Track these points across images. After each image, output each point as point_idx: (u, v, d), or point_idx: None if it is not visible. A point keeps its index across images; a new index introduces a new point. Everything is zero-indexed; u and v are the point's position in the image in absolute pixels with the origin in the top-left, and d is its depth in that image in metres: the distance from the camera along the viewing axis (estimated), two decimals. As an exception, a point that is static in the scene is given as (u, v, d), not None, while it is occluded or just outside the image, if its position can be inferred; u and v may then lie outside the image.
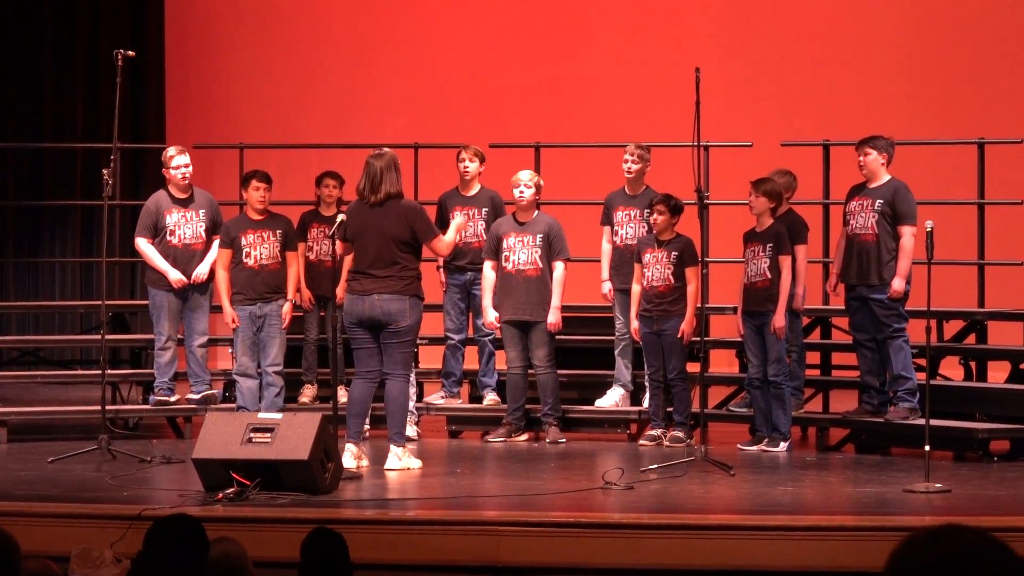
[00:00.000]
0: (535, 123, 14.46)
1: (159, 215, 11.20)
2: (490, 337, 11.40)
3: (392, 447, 9.56)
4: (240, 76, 15.96)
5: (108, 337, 10.78)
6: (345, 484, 8.85)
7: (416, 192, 12.05)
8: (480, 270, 11.21)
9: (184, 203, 11.22)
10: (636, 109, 14.85)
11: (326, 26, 15.86)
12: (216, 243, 11.12)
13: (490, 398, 11.50)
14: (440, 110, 15.28)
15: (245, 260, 10.95)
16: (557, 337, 11.13)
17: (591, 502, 8.53)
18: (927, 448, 8.85)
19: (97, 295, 11.83)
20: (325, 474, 8.54)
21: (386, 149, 9.74)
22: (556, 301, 11.01)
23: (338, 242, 9.70)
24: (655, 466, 9.59)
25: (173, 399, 11.29)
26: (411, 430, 10.67)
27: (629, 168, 11.24)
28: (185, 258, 11.16)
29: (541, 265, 11.02)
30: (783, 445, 10.47)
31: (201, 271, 11.15)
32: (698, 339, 10.31)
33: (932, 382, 9.67)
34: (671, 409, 10.87)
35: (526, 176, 11.12)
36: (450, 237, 9.80)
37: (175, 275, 11.09)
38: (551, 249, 11.03)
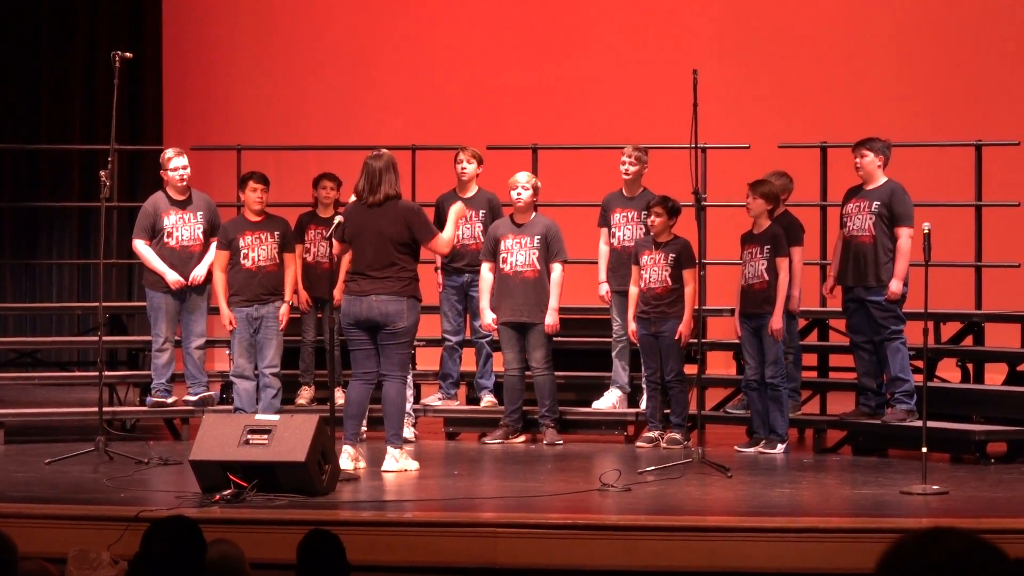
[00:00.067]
0: (533, 125, 14.46)
1: (157, 217, 11.20)
2: (487, 339, 11.40)
3: (389, 449, 9.56)
4: (238, 78, 15.96)
5: (105, 339, 10.78)
6: (342, 486, 8.85)
7: (413, 194, 12.06)
8: (477, 272, 11.21)
9: (182, 205, 11.22)
10: (634, 111, 14.86)
11: (324, 28, 15.86)
12: (214, 245, 11.12)
13: (487, 400, 11.49)
14: (438, 112, 15.28)
15: (243, 262, 10.95)
16: (554, 339, 11.13)
17: (588, 504, 8.53)
18: (924, 450, 8.85)
19: (94, 297, 11.84)
20: (322, 476, 8.54)
21: (384, 150, 9.74)
22: (554, 303, 11.01)
23: (335, 242, 9.70)
24: (652, 468, 9.59)
25: (170, 401, 11.29)
26: (408, 432, 10.67)
27: (627, 170, 11.24)
28: (183, 260, 11.16)
29: (539, 267, 11.02)
30: (780, 447, 10.47)
31: (198, 273, 11.15)
32: (695, 341, 10.31)
33: (929, 384, 9.67)
34: (668, 411, 10.87)
35: (523, 178, 11.12)
36: (448, 233, 9.75)
37: (172, 276, 11.09)
38: (549, 251, 11.03)
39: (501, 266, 11.05)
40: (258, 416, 9.21)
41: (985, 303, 11.44)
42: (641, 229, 11.11)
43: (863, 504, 8.69)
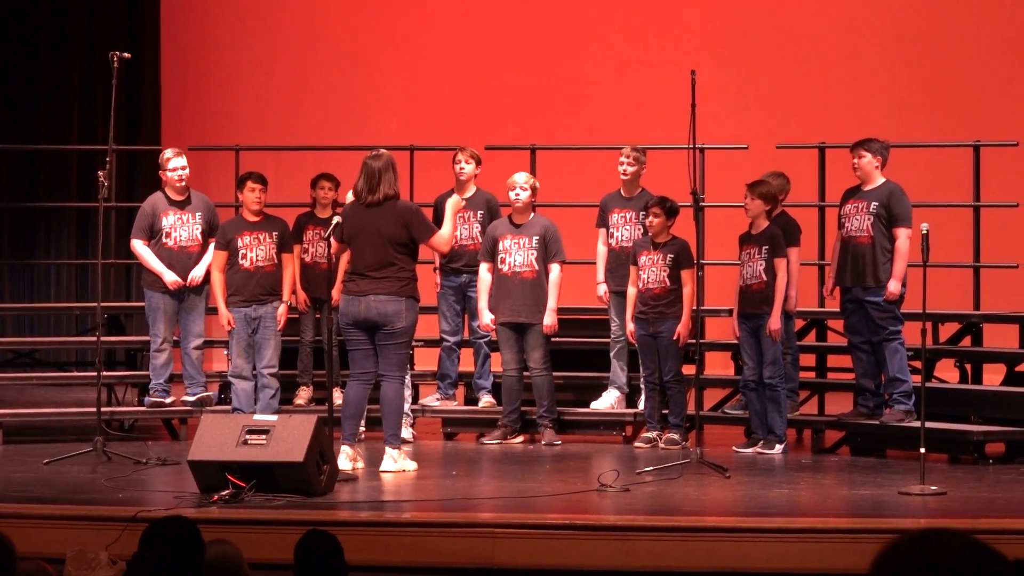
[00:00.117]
0: (531, 125, 14.47)
1: (155, 217, 11.20)
2: (486, 339, 11.40)
3: (387, 449, 9.55)
4: (236, 78, 15.96)
5: (104, 339, 10.78)
6: (340, 486, 8.84)
7: (412, 194, 12.06)
8: (475, 272, 11.21)
9: (181, 205, 11.22)
10: (632, 111, 14.86)
11: (322, 28, 15.86)
12: (212, 245, 11.11)
13: (485, 400, 11.49)
14: (436, 112, 15.28)
15: (241, 262, 10.94)
16: (553, 339, 11.13)
17: (587, 504, 8.53)
18: (922, 450, 8.85)
19: (93, 297, 11.84)
20: (320, 476, 8.54)
21: (383, 151, 9.74)
22: (552, 303, 11.01)
23: (333, 242, 9.69)
24: (651, 468, 9.59)
25: (169, 401, 11.29)
26: (407, 432, 10.67)
27: (625, 170, 11.24)
28: (181, 260, 11.15)
29: (537, 267, 11.02)
30: (778, 447, 10.47)
31: (197, 273, 11.15)
32: (694, 341, 10.31)
33: (928, 384, 9.67)
34: (667, 411, 10.87)
35: (522, 178, 11.12)
36: (447, 230, 9.73)
37: (170, 277, 11.09)
38: (547, 251, 11.03)
39: (499, 266, 11.05)
40: (256, 416, 9.20)
41: (983, 304, 11.44)
42: (639, 229, 11.11)
43: (861, 504, 8.69)
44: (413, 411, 11.23)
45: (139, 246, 11.20)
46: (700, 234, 10.18)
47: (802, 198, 11.72)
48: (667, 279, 10.73)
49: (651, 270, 10.77)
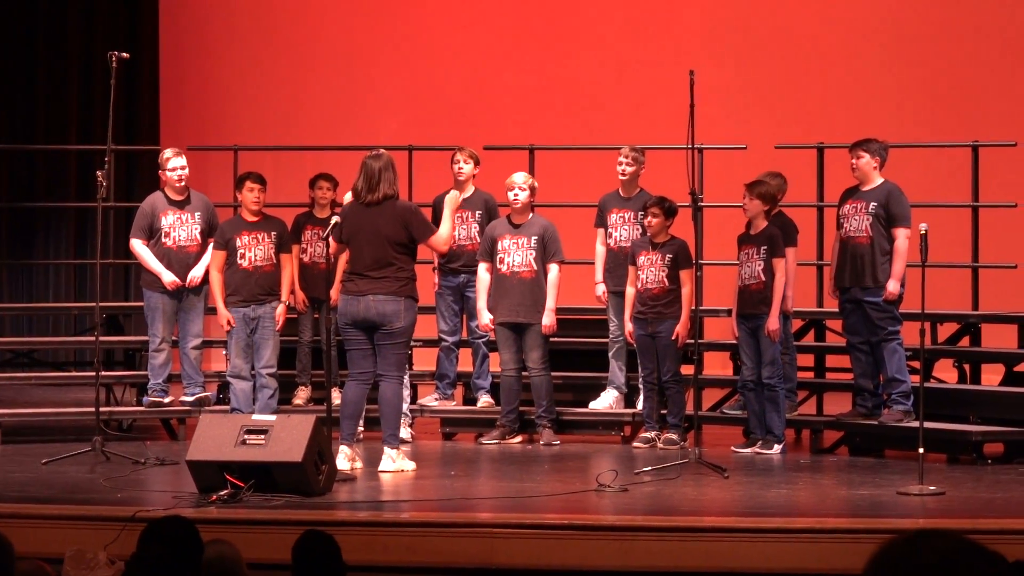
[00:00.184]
0: (530, 125, 14.47)
1: (155, 216, 11.19)
2: (484, 339, 11.40)
3: (386, 449, 9.55)
4: (234, 78, 15.96)
5: (102, 339, 10.78)
6: (339, 486, 8.84)
7: (410, 194, 12.06)
8: (473, 272, 11.21)
9: (180, 205, 11.22)
10: (631, 112, 14.86)
11: (320, 28, 15.86)
12: (211, 245, 11.11)
13: (484, 400, 11.49)
14: (435, 112, 15.28)
15: (239, 262, 10.94)
16: (551, 339, 11.13)
17: (585, 504, 8.53)
18: (921, 451, 8.84)
19: (91, 297, 11.84)
20: (319, 476, 8.54)
21: (383, 150, 9.74)
22: (550, 303, 11.01)
23: (331, 242, 9.69)
24: (649, 468, 9.59)
25: (167, 401, 11.29)
26: (405, 432, 10.66)
27: (623, 170, 11.24)
28: (180, 260, 11.15)
29: (536, 267, 11.02)
30: (777, 447, 10.47)
31: (196, 274, 11.14)
32: (692, 341, 10.30)
33: (926, 385, 9.67)
34: (665, 411, 10.87)
35: (521, 178, 11.12)
36: (446, 228, 9.70)
37: (169, 277, 11.08)
38: (546, 251, 11.03)
39: (498, 266, 11.05)
40: (255, 416, 9.20)
41: (982, 304, 11.44)
42: (638, 230, 11.11)
43: (860, 505, 8.69)
44: (412, 411, 11.23)
45: (138, 246, 11.20)
46: (699, 234, 10.18)
47: (801, 198, 11.72)
48: (666, 279, 10.73)
49: (650, 270, 10.77)
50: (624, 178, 11.25)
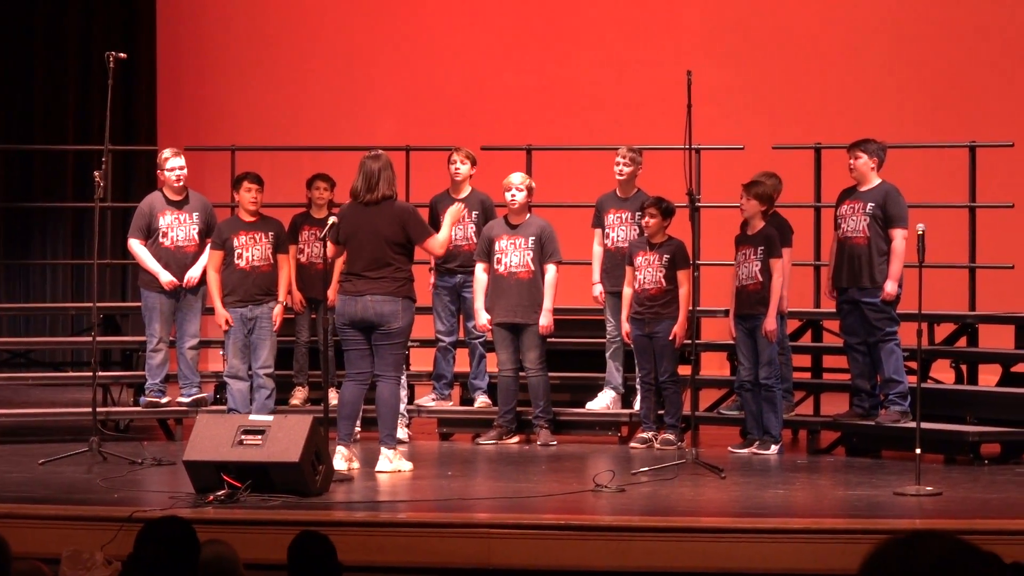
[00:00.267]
0: (527, 126, 14.46)
1: (152, 216, 11.19)
2: (481, 339, 11.40)
3: (383, 449, 9.55)
4: (232, 78, 15.95)
5: (99, 339, 10.77)
6: (336, 486, 8.84)
7: (407, 195, 12.05)
8: (470, 272, 11.21)
9: (178, 205, 11.22)
10: (628, 112, 14.85)
11: (318, 29, 15.86)
12: (208, 246, 11.11)
13: (481, 400, 11.49)
14: (432, 112, 15.28)
15: (237, 262, 10.94)
16: (548, 340, 11.13)
17: (582, 505, 8.53)
18: (918, 451, 8.85)
19: (88, 297, 11.84)
20: (316, 476, 8.54)
21: (381, 151, 9.74)
22: (548, 304, 11.01)
23: (329, 244, 9.69)
24: (646, 469, 9.59)
25: (164, 401, 11.28)
26: (402, 432, 10.66)
27: (621, 171, 11.24)
28: (177, 260, 11.15)
29: (533, 268, 11.02)
30: (774, 448, 10.47)
31: (193, 274, 11.14)
32: (689, 342, 10.31)
33: (923, 385, 9.67)
34: (662, 412, 10.87)
35: (518, 179, 11.12)
36: (444, 235, 9.73)
37: (166, 277, 11.08)
38: (543, 252, 11.03)
39: (495, 267, 11.05)
40: (252, 417, 9.20)
41: (979, 304, 11.44)
42: (635, 230, 11.11)
43: (857, 505, 8.69)
44: (409, 411, 11.23)
45: (136, 246, 11.20)
46: (696, 235, 10.19)
47: (798, 199, 11.72)
48: (663, 279, 10.73)
49: (647, 271, 10.77)
50: (621, 178, 11.25)
